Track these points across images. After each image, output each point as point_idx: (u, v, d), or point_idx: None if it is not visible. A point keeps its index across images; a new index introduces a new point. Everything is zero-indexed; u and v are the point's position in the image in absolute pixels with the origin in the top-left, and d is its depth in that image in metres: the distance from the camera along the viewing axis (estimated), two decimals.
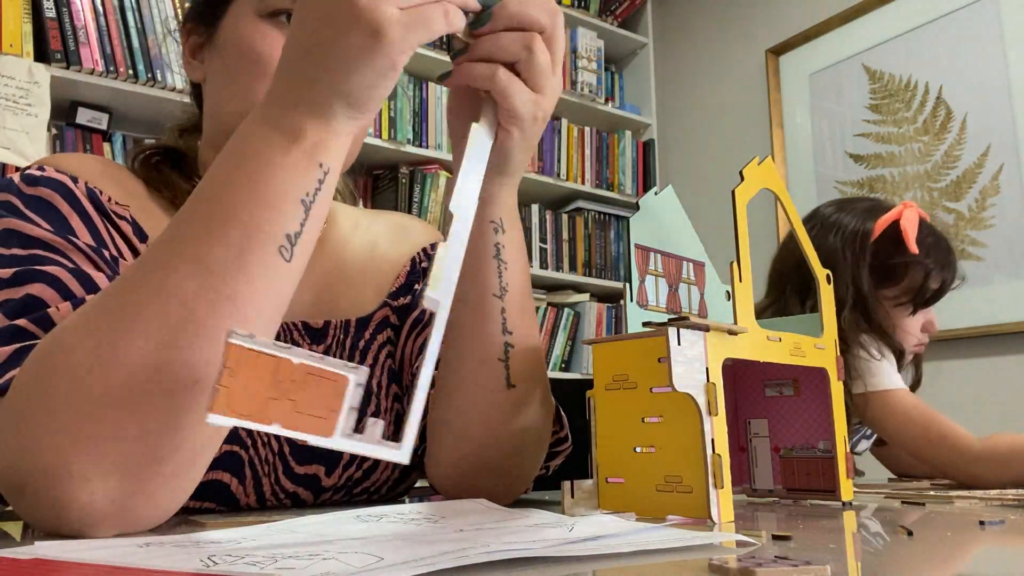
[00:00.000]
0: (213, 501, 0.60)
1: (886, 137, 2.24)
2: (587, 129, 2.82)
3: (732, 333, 0.54)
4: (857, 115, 2.31)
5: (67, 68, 1.83)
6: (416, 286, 0.76)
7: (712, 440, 0.49)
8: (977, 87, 2.05)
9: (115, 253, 0.57)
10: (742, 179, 0.59)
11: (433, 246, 0.81)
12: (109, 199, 0.60)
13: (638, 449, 0.53)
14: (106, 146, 1.99)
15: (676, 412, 0.51)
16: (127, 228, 0.60)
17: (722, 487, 0.49)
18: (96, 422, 0.39)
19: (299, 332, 0.67)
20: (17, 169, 1.80)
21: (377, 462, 0.67)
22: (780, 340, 0.59)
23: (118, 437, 0.39)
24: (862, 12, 2.31)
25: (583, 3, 2.87)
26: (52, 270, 0.50)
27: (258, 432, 0.57)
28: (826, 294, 0.65)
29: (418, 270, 0.78)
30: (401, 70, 0.44)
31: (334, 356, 0.59)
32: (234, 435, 0.61)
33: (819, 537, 0.43)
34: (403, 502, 0.69)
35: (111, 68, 1.88)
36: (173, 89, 1.96)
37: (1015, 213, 1.95)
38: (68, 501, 0.39)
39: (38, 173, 0.58)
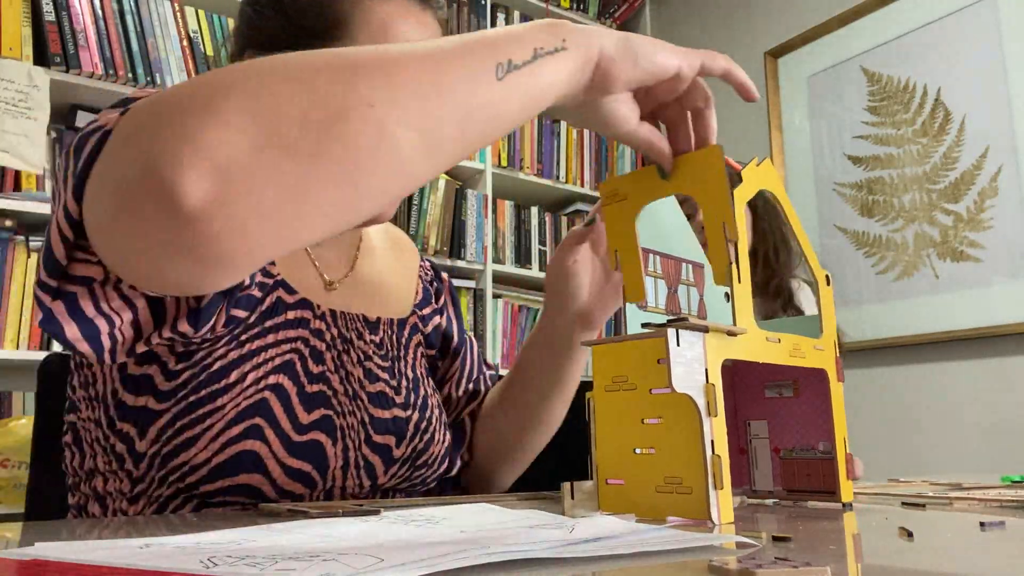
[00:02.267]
0: (311, 462, 0.64)
1: (885, 139, 2.24)
2: (586, 131, 2.82)
3: (731, 334, 0.54)
4: (856, 117, 2.31)
5: (67, 72, 1.83)
6: (435, 303, 0.89)
7: (712, 441, 0.49)
8: (975, 89, 2.05)
9: None
10: (741, 180, 0.59)
11: (433, 267, 0.96)
12: None
13: (638, 451, 0.53)
14: None
15: (675, 413, 0.51)
16: None
17: (722, 488, 0.49)
18: (263, 108, 0.40)
19: (360, 323, 0.76)
20: (17, 173, 1.80)
21: (434, 435, 0.76)
22: (779, 341, 0.58)
23: (279, 124, 0.39)
24: (861, 14, 2.32)
25: (582, 6, 2.87)
26: None
27: (345, 402, 0.69)
28: (825, 296, 0.65)
29: (427, 286, 0.90)
30: (669, 70, 0.54)
31: (385, 347, 0.77)
32: (328, 403, 0.68)
33: (819, 538, 0.44)
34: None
35: (111, 71, 1.88)
36: None
37: (1013, 214, 1.95)
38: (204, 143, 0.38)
39: None
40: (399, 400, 0.75)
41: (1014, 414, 1.90)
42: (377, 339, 0.77)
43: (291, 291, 0.70)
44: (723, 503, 0.49)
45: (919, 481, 0.96)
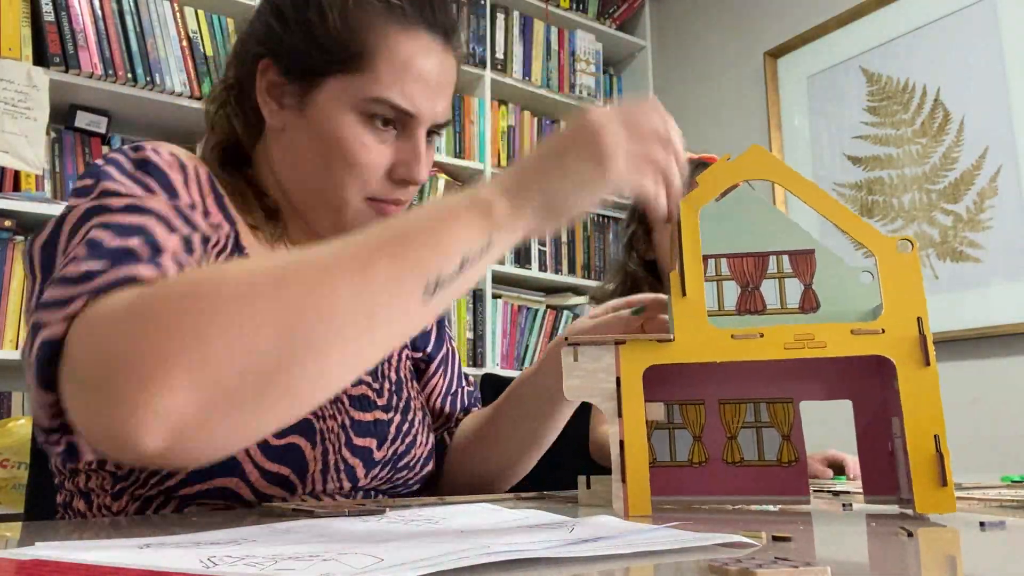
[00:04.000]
0: (289, 466, 0.64)
1: (884, 139, 2.24)
2: None
3: (662, 341, 0.57)
4: (855, 117, 2.31)
5: (66, 72, 1.83)
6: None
7: (620, 441, 0.54)
8: (975, 89, 2.05)
9: (209, 207, 0.63)
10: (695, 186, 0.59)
11: None
12: (219, 193, 0.67)
13: None
14: (104, 149, 1.99)
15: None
16: (207, 185, 0.66)
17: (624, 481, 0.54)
18: (211, 347, 0.43)
19: None
20: (16, 173, 1.80)
21: (416, 438, 0.76)
22: (761, 336, 0.55)
23: (223, 366, 0.43)
24: (860, 14, 2.32)
25: (581, 6, 2.87)
26: (157, 206, 0.56)
27: (326, 405, 0.68)
28: (891, 268, 0.56)
29: None
30: (595, 208, 0.58)
31: (381, 369, 0.77)
32: None
33: (819, 538, 0.43)
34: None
35: (110, 72, 1.88)
36: (172, 92, 1.96)
37: (1013, 215, 1.95)
38: (152, 400, 0.42)
39: (145, 145, 0.63)
40: (381, 402, 0.75)
41: (1014, 414, 1.90)
42: None
43: None
44: (631, 495, 0.53)
45: None
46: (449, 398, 0.90)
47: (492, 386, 1.59)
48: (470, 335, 2.41)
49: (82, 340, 0.46)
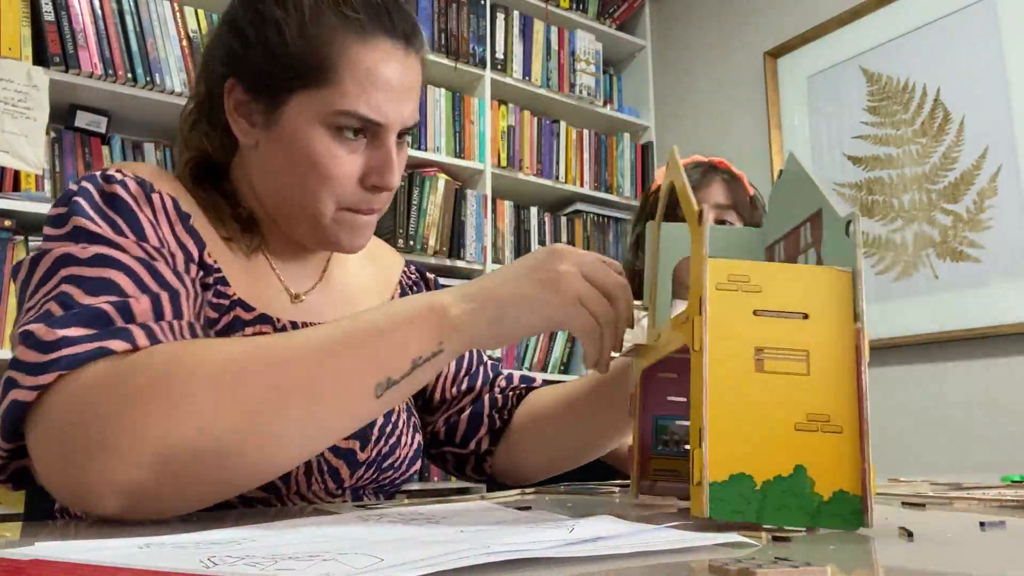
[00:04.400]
0: None
1: (884, 139, 2.24)
2: (586, 131, 2.82)
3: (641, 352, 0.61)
4: (855, 117, 2.31)
5: (66, 71, 1.83)
6: None
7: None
8: (975, 89, 2.05)
9: (173, 248, 0.65)
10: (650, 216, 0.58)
11: (419, 270, 0.95)
12: (183, 211, 0.69)
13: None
14: (104, 149, 1.99)
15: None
16: (172, 213, 0.67)
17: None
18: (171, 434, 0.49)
19: None
20: (16, 173, 1.80)
21: (400, 439, 0.77)
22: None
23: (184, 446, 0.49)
24: (860, 14, 2.32)
25: (581, 6, 2.87)
26: (125, 259, 0.58)
27: None
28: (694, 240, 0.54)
29: (406, 290, 0.90)
30: (540, 335, 0.63)
31: None
32: None
33: (819, 538, 0.43)
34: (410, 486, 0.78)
35: (110, 71, 1.88)
36: (172, 92, 1.96)
37: (1013, 215, 1.95)
38: (113, 474, 0.48)
39: (114, 173, 0.66)
40: None
41: (1014, 414, 1.90)
42: None
43: (249, 308, 0.71)
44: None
45: (919, 481, 0.96)
46: (468, 379, 0.89)
47: None
48: None
49: (53, 412, 0.50)
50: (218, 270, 0.69)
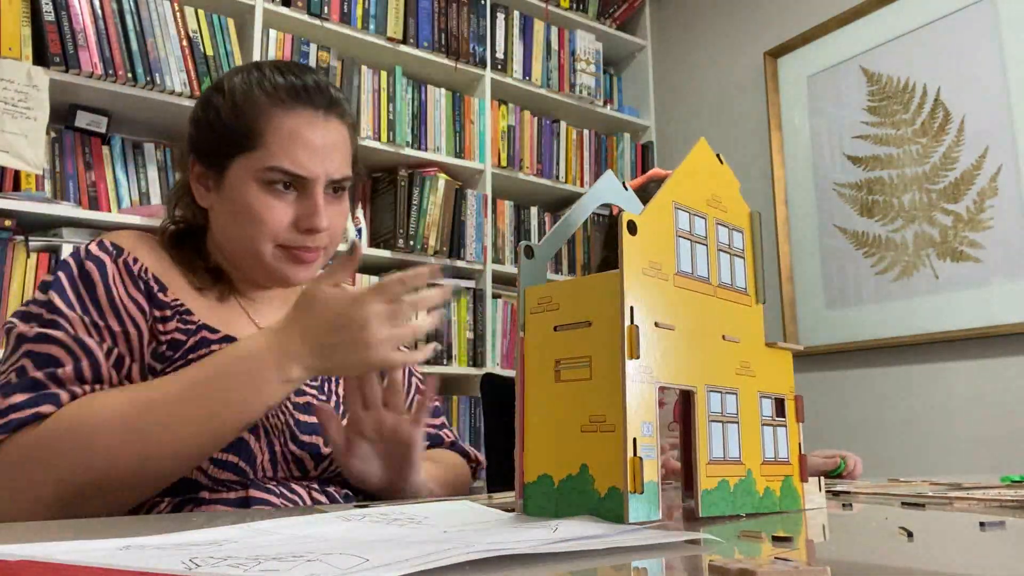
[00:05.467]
0: (237, 455, 0.77)
1: (884, 139, 2.24)
2: (586, 131, 2.82)
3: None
4: (855, 117, 2.31)
5: (66, 71, 1.83)
6: None
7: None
8: (975, 89, 2.05)
9: (116, 312, 0.79)
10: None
11: None
12: (142, 266, 0.83)
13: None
14: (104, 149, 1.99)
15: None
16: (153, 285, 0.83)
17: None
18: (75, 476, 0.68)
19: None
20: (16, 173, 1.80)
21: None
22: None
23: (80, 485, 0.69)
24: (860, 14, 2.31)
25: (582, 6, 2.87)
26: (61, 336, 0.74)
27: (273, 407, 0.80)
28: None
29: None
30: (364, 373, 0.76)
31: (327, 386, 0.91)
32: None
33: (819, 538, 0.43)
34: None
35: (110, 71, 1.87)
36: (172, 92, 1.96)
37: (1013, 214, 1.94)
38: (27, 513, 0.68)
39: (94, 249, 0.82)
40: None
41: (1014, 414, 1.89)
42: (318, 382, 0.90)
43: (214, 331, 0.83)
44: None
45: (919, 481, 0.95)
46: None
47: (492, 386, 1.59)
48: (470, 335, 2.41)
49: None
50: (180, 304, 0.83)
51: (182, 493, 0.75)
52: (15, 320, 0.77)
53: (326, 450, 0.83)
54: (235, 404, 0.70)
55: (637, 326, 0.49)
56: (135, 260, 0.83)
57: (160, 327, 0.80)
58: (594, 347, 0.50)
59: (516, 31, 2.68)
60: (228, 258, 0.89)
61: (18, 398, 0.70)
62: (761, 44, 2.59)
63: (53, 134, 1.90)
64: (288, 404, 0.83)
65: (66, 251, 1.81)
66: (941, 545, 0.42)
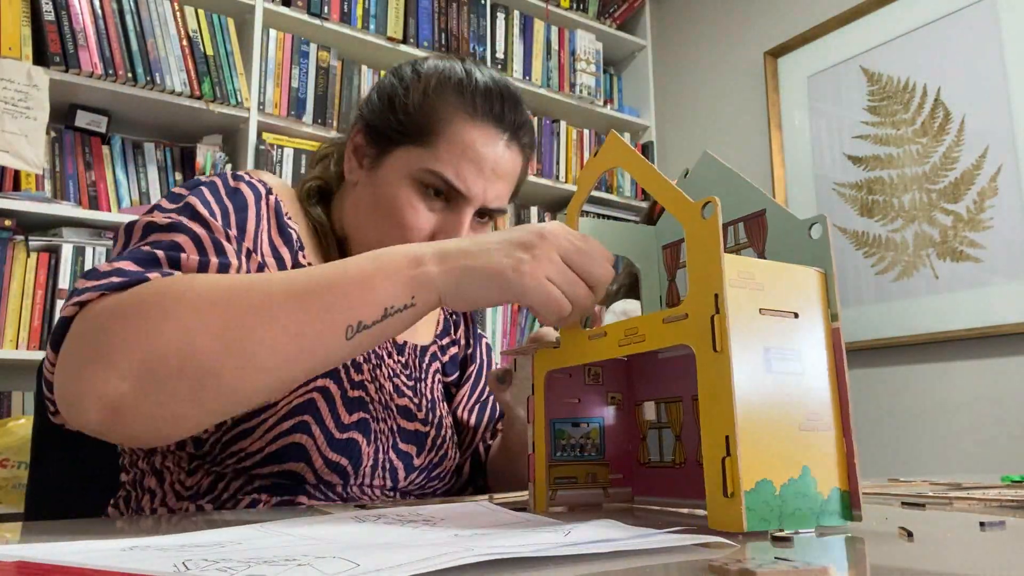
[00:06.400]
0: (347, 458, 0.73)
1: (884, 139, 2.24)
2: (586, 131, 2.82)
3: (555, 346, 0.58)
4: (855, 117, 2.31)
5: (66, 71, 1.83)
6: (453, 334, 0.98)
7: (532, 443, 0.59)
8: (975, 89, 2.05)
9: (256, 247, 0.72)
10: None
11: None
12: (288, 216, 0.78)
13: None
14: (105, 149, 1.99)
15: None
16: (292, 235, 0.77)
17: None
18: (167, 345, 0.53)
19: (390, 344, 0.85)
20: (16, 173, 1.80)
21: (448, 452, 0.85)
22: (605, 334, 0.53)
23: (182, 355, 0.53)
24: (860, 14, 2.31)
25: (582, 5, 2.87)
26: (197, 228, 0.66)
27: (379, 409, 0.78)
28: (697, 237, 0.48)
29: (447, 318, 0.99)
30: (496, 307, 0.63)
31: (410, 368, 0.86)
32: (366, 407, 0.77)
33: (819, 538, 0.43)
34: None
35: (110, 71, 1.88)
36: (172, 92, 1.96)
37: (1013, 214, 1.94)
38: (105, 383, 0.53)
39: (244, 176, 0.76)
40: (420, 416, 0.84)
41: (1014, 414, 1.89)
42: (403, 360, 0.86)
43: None
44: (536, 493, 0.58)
45: (919, 481, 0.95)
46: (477, 407, 0.96)
47: None
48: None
49: (77, 324, 0.56)
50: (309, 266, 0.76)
51: (282, 493, 0.70)
52: (138, 216, 0.68)
53: (418, 461, 0.80)
54: (353, 298, 0.55)
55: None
56: (283, 207, 0.77)
57: None
58: (804, 341, 0.47)
59: (516, 31, 2.68)
60: (351, 235, 0.83)
61: (127, 265, 0.59)
62: (761, 44, 2.59)
63: (53, 134, 1.90)
64: (392, 406, 0.80)
65: (66, 251, 1.81)
66: (941, 545, 0.42)
